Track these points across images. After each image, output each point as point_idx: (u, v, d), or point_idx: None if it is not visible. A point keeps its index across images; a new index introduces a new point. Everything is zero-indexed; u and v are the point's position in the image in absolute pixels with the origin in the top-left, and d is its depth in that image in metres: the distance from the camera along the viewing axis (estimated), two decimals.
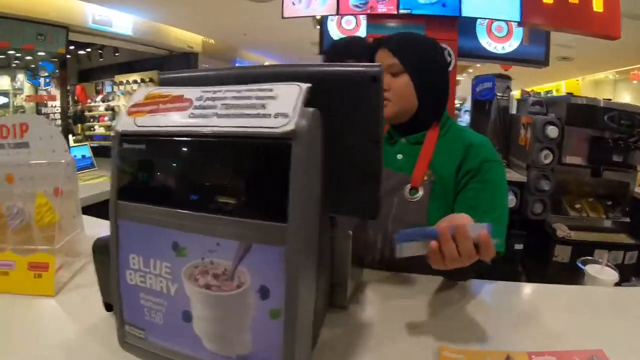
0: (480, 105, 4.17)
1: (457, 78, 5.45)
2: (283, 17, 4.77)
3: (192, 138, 0.64)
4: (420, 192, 1.31)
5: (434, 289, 1.28)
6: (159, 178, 0.69)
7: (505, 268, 3.17)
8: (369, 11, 4.44)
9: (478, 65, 8.11)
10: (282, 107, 0.60)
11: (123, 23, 8.37)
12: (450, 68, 4.40)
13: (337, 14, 4.59)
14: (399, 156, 1.39)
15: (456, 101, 10.23)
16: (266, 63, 12.43)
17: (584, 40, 6.87)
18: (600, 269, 1.46)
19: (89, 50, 9.77)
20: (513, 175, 3.37)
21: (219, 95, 0.66)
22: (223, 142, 0.62)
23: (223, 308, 0.65)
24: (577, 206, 3.39)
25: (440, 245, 0.90)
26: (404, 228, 1.09)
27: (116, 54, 9.56)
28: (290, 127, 0.57)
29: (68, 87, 8.02)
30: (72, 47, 8.17)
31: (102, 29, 7.89)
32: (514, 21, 4.43)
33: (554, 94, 12.56)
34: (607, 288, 1.41)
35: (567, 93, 3.35)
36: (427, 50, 1.40)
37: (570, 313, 1.23)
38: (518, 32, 4.96)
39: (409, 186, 1.31)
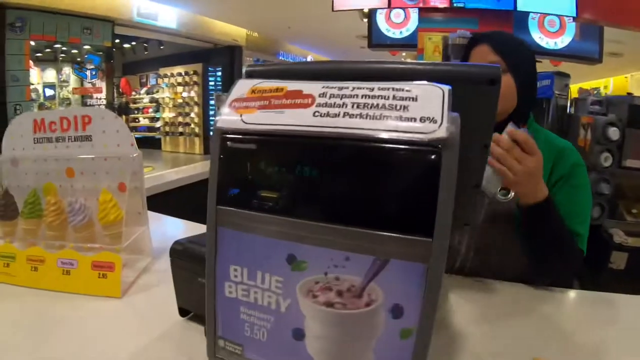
0: (537, 103, 4.04)
1: None
2: (333, 10, 4.72)
3: (317, 140, 0.57)
4: (512, 193, 1.25)
5: (517, 296, 1.24)
6: (275, 184, 0.61)
7: None
8: (421, 4, 4.37)
9: None
10: (427, 111, 0.53)
11: (168, 16, 8.45)
12: None
13: (389, 6, 4.54)
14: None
15: None
16: (309, 57, 12.39)
17: (636, 36, 6.65)
18: None
19: (133, 43, 9.91)
20: None
21: (346, 92, 0.59)
22: (356, 145, 0.55)
23: (346, 327, 0.59)
24: (634, 211, 3.25)
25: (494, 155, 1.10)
26: (492, 231, 1.13)
27: (161, 47, 9.67)
28: (441, 133, 0.50)
29: (113, 80, 8.12)
30: (117, 41, 8.27)
31: (147, 22, 7.97)
32: (569, 16, 4.31)
33: (602, 91, 12.19)
34: None
35: (627, 93, 3.21)
36: (527, 51, 1.41)
37: None
38: (571, 27, 4.82)
39: (499, 187, 1.26)
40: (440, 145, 0.50)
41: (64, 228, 1.35)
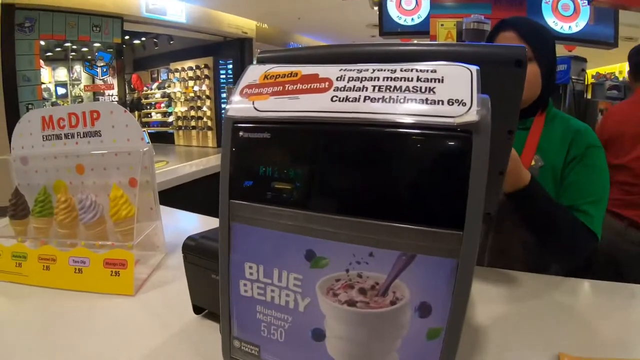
0: (555, 88, 3.96)
1: None
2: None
3: (337, 126, 0.53)
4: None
5: (537, 287, 1.22)
6: (291, 175, 0.57)
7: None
8: None
9: None
10: (456, 93, 0.49)
11: (176, 11, 8.42)
12: None
13: None
14: None
15: None
16: None
17: None
18: None
19: (143, 39, 9.91)
20: None
21: (367, 74, 0.55)
22: (380, 132, 0.51)
23: (370, 327, 0.55)
24: None
25: None
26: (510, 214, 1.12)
27: (171, 42, 9.66)
28: (471, 117, 0.46)
29: (124, 76, 8.12)
30: (127, 37, 8.27)
31: (156, 17, 7.95)
32: None
33: (617, 75, 12.04)
34: None
35: None
36: (550, 39, 1.40)
37: None
38: (585, 11, 4.72)
39: None
40: (471, 130, 0.46)
41: (75, 226, 1.33)
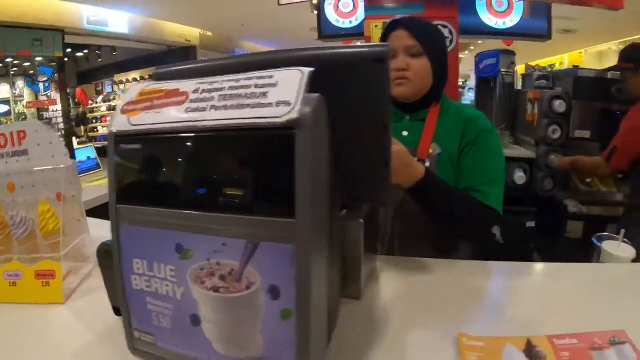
0: (484, 82, 4.12)
1: (460, 56, 5.39)
2: (279, 4, 4.71)
3: (188, 134, 0.61)
4: (427, 164, 1.38)
5: (446, 273, 1.28)
6: (158, 178, 0.66)
7: (517, 246, 3.13)
8: None
9: (480, 42, 8.05)
10: (284, 95, 0.56)
11: (118, 22, 8.33)
12: (453, 46, 4.35)
13: None
14: (405, 133, 1.48)
15: (460, 80, 10.09)
16: None
17: (587, 12, 6.80)
18: (617, 246, 1.43)
19: (86, 51, 9.77)
20: (521, 152, 3.33)
21: (216, 86, 0.62)
22: (221, 136, 0.58)
23: (232, 310, 0.62)
24: (588, 181, 3.33)
25: None
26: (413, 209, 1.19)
27: (114, 53, 9.55)
28: (293, 115, 0.53)
29: (68, 90, 8.00)
30: (69, 50, 8.15)
31: (98, 29, 7.86)
32: None
33: (557, 67, 12.46)
34: (625, 265, 1.38)
35: (573, 66, 3.29)
36: (440, 36, 1.51)
37: (589, 292, 1.21)
38: (519, 7, 4.89)
39: (416, 159, 1.33)
40: (294, 127, 0.53)
41: (9, 242, 1.36)
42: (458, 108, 1.53)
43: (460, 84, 9.79)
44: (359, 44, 1.24)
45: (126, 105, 0.69)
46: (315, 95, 0.56)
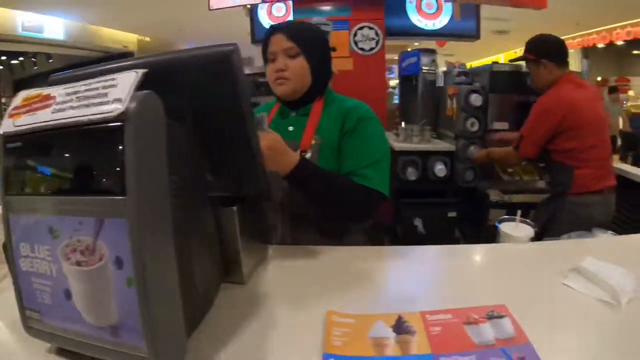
0: (407, 80, 4.27)
1: (395, 57, 5.55)
2: (210, 9, 4.75)
3: (51, 131, 0.71)
4: (309, 154, 1.50)
5: (334, 258, 1.36)
6: (33, 170, 0.76)
7: (442, 234, 3.28)
8: None
9: (416, 43, 8.24)
10: (119, 93, 0.66)
11: (54, 28, 8.22)
12: (379, 48, 4.50)
13: (263, 1, 4.61)
14: (290, 128, 1.59)
15: (392, 81, 10.24)
16: None
17: (519, 13, 7.09)
18: (514, 226, 1.53)
19: (21, 59, 9.55)
20: (442, 146, 3.45)
21: (76, 89, 0.72)
22: (72, 131, 0.69)
23: (90, 281, 0.71)
24: (510, 170, 3.45)
25: None
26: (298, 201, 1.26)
27: (50, 60, 9.37)
28: (121, 110, 0.63)
29: (4, 100, 7.81)
30: (3, 58, 7.96)
31: (34, 35, 7.74)
32: None
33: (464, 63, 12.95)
34: (520, 244, 1.48)
35: (493, 62, 3.44)
36: (318, 36, 1.62)
37: (477, 271, 1.31)
38: (448, 8, 5.09)
39: (299, 150, 1.46)
40: (122, 119, 0.64)
41: None
42: (341, 101, 1.64)
43: (392, 84, 9.96)
44: (202, 47, 1.33)
45: (12, 110, 0.78)
46: (144, 92, 0.67)
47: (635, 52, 12.97)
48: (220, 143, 0.99)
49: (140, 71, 0.68)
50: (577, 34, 11.92)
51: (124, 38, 10.00)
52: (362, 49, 4.56)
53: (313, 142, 1.53)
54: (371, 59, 4.61)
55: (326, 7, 4.51)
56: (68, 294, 0.74)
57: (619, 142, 9.77)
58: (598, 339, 0.95)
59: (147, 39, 10.60)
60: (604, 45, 11.60)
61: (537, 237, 1.57)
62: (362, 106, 1.60)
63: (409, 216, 3.27)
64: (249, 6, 5.22)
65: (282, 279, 1.22)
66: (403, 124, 3.73)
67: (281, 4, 5.16)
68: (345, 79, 4.39)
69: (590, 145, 2.51)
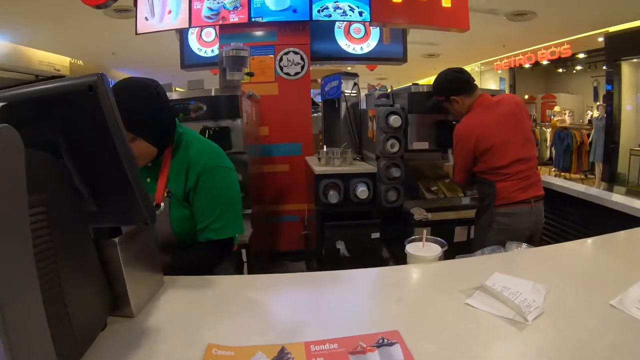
0: (330, 103, 4.33)
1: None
2: (137, 34, 4.71)
3: None
4: (162, 207, 1.60)
5: (236, 287, 1.37)
6: None
7: (367, 256, 3.31)
8: (221, 22, 4.52)
9: (349, 67, 8.38)
10: None
11: None
12: (304, 72, 4.58)
13: (190, 26, 4.61)
14: (148, 180, 1.63)
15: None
16: None
17: (446, 37, 7.34)
18: (419, 247, 1.51)
19: None
20: (364, 167, 3.49)
21: None
22: None
23: None
24: (434, 188, 3.54)
25: None
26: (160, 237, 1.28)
27: None
28: None
29: None
30: None
31: None
32: (364, 21, 4.67)
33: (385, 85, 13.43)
34: (427, 264, 1.46)
35: (413, 84, 3.52)
36: (146, 105, 1.54)
37: (375, 295, 1.31)
38: (375, 33, 5.24)
39: (154, 204, 1.55)
40: None
41: None
42: (187, 145, 1.69)
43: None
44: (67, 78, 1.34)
45: None
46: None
47: (559, 70, 13.69)
48: (98, 174, 0.99)
49: None
50: (504, 55, 12.43)
51: (56, 61, 9.72)
52: (287, 73, 4.63)
53: (165, 194, 1.61)
54: (296, 84, 4.69)
55: (253, 32, 4.56)
56: None
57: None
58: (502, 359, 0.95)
59: (80, 62, 10.36)
60: (530, 65, 12.13)
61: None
62: (204, 154, 1.67)
63: (331, 239, 3.29)
64: (176, 31, 5.18)
65: (173, 311, 1.20)
66: (325, 147, 3.77)
67: (211, 30, 5.17)
68: (270, 103, 4.44)
69: (511, 161, 2.63)
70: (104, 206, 1.04)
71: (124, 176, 0.99)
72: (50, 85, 0.91)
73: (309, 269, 4.19)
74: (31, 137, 0.72)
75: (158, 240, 1.34)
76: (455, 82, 2.83)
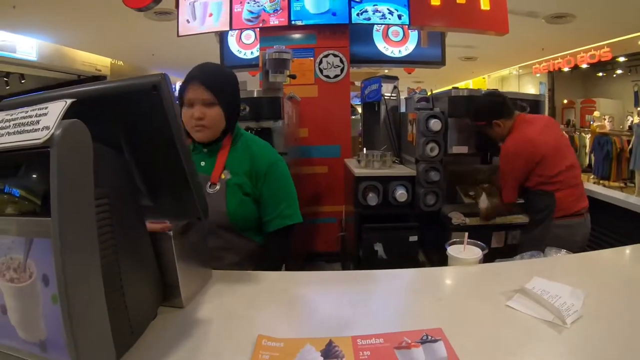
0: (370, 106, 4.35)
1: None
2: (178, 36, 4.80)
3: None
4: (218, 187, 1.70)
5: (281, 283, 1.41)
6: None
7: (404, 259, 3.31)
8: (261, 25, 4.58)
9: (386, 70, 8.38)
10: (48, 121, 0.70)
11: (27, 48, 8.15)
12: (343, 75, 4.60)
13: (231, 29, 4.69)
14: (202, 163, 1.76)
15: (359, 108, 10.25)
16: (178, 83, 12.36)
17: (485, 40, 7.28)
18: (461, 249, 1.54)
19: None
20: (404, 170, 3.49)
21: (14, 116, 0.76)
22: (7, 156, 0.73)
23: (21, 298, 0.75)
24: (472, 193, 3.50)
25: None
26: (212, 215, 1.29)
27: (22, 81, 9.28)
28: (46, 137, 0.68)
29: None
30: None
31: (5, 55, 7.67)
32: (402, 24, 4.67)
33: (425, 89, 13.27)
34: (468, 267, 1.49)
35: (453, 87, 3.50)
36: (233, 85, 1.80)
37: (419, 295, 1.32)
38: (414, 36, 5.23)
39: (209, 183, 1.67)
40: (48, 145, 0.68)
41: None
42: (247, 140, 1.85)
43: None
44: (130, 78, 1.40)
45: None
46: (71, 120, 0.71)
47: (599, 74, 13.37)
48: (156, 170, 1.04)
49: (69, 100, 0.73)
50: (542, 59, 12.25)
51: (98, 61, 9.96)
52: (327, 76, 4.67)
53: (223, 176, 1.73)
54: (336, 86, 4.72)
55: (292, 35, 4.60)
56: (4, 309, 0.77)
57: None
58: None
59: (121, 63, 10.60)
60: (569, 69, 11.92)
61: None
62: (266, 149, 1.86)
63: (369, 241, 3.30)
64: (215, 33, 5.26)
65: (221, 303, 1.23)
66: (365, 150, 3.78)
67: (250, 32, 5.25)
68: (310, 105, 4.48)
69: (560, 170, 2.69)
70: (160, 201, 1.10)
71: (182, 172, 1.04)
72: (116, 84, 0.97)
73: (345, 270, 4.20)
74: (96, 133, 0.77)
75: (209, 219, 1.38)
76: (496, 106, 2.91)
